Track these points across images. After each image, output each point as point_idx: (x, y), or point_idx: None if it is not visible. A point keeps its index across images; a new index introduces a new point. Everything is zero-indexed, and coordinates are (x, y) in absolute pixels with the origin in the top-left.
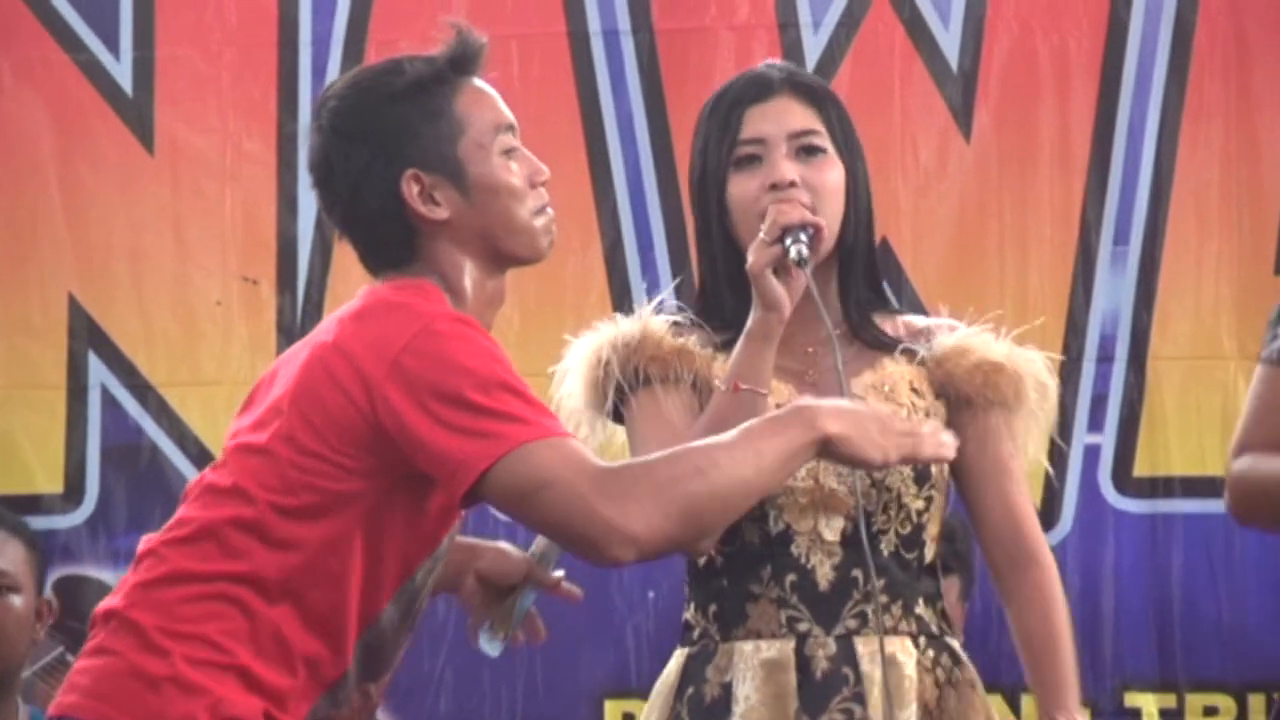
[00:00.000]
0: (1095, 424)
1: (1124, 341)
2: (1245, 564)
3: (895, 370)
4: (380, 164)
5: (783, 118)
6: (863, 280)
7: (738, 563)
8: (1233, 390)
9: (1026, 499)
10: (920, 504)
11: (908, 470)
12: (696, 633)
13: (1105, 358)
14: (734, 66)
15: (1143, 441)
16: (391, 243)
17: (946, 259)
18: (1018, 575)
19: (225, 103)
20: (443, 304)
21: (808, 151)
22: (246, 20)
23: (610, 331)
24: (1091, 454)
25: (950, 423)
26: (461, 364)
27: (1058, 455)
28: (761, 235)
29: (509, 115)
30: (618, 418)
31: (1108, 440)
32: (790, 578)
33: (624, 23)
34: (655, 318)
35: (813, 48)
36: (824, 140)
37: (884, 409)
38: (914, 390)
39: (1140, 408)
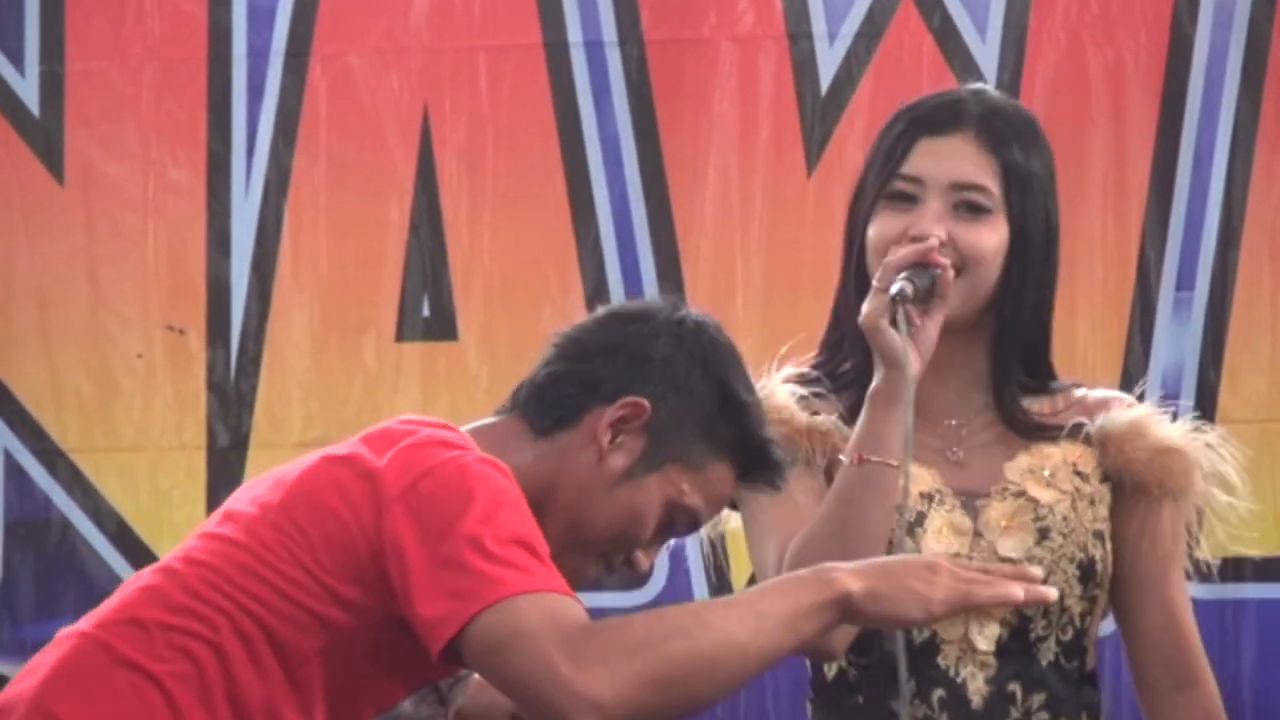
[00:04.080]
0: None
1: (1188, 402)
2: None
3: (1055, 451)
4: (648, 373)
5: (952, 161)
6: (1019, 361)
7: (876, 676)
8: None
9: (1189, 608)
10: (1084, 605)
11: (1072, 568)
12: None
13: None
14: (736, 82)
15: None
16: (555, 403)
17: None
18: (1177, 697)
19: (147, 125)
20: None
21: (970, 208)
22: (171, 31)
23: None
24: None
25: (1117, 511)
26: (481, 504)
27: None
28: (875, 283)
29: (705, 520)
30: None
31: None
32: (938, 694)
33: (609, 32)
34: (782, 386)
35: (828, 61)
36: (992, 200)
37: (1045, 495)
38: (1077, 473)
39: None
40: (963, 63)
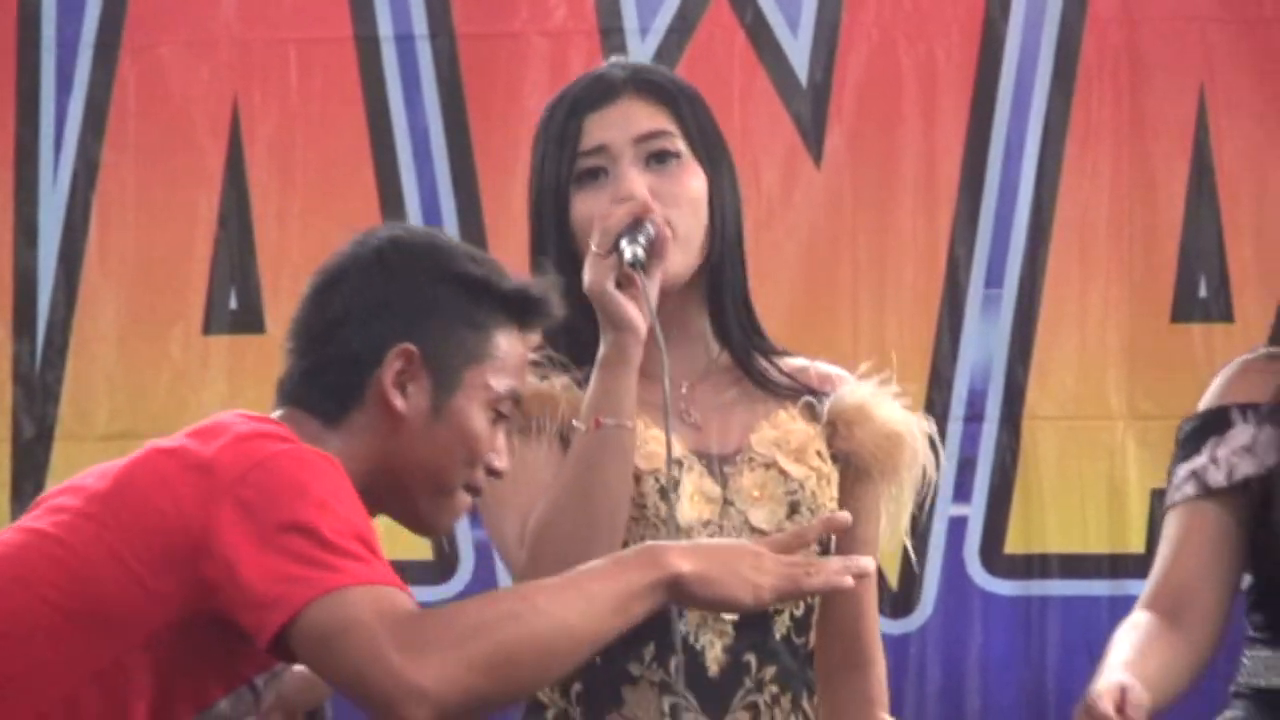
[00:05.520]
0: (961, 493)
1: (996, 399)
2: None
3: (796, 428)
4: (389, 317)
5: (627, 121)
6: (741, 307)
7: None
8: (1120, 455)
9: (875, 592)
10: None
11: (815, 544)
12: (551, 713)
13: (974, 417)
14: (548, 76)
15: (1015, 514)
16: (329, 390)
17: (792, 302)
18: (847, 674)
19: None
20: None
21: (659, 158)
22: None
23: None
24: (957, 527)
25: (841, 491)
26: (316, 494)
27: (917, 529)
28: (594, 249)
29: (524, 387)
30: None
31: (976, 512)
32: (676, 660)
33: (420, 26)
34: None
35: (639, 56)
36: (677, 142)
37: (795, 470)
38: (817, 452)
39: (1013, 475)
40: (774, 58)
